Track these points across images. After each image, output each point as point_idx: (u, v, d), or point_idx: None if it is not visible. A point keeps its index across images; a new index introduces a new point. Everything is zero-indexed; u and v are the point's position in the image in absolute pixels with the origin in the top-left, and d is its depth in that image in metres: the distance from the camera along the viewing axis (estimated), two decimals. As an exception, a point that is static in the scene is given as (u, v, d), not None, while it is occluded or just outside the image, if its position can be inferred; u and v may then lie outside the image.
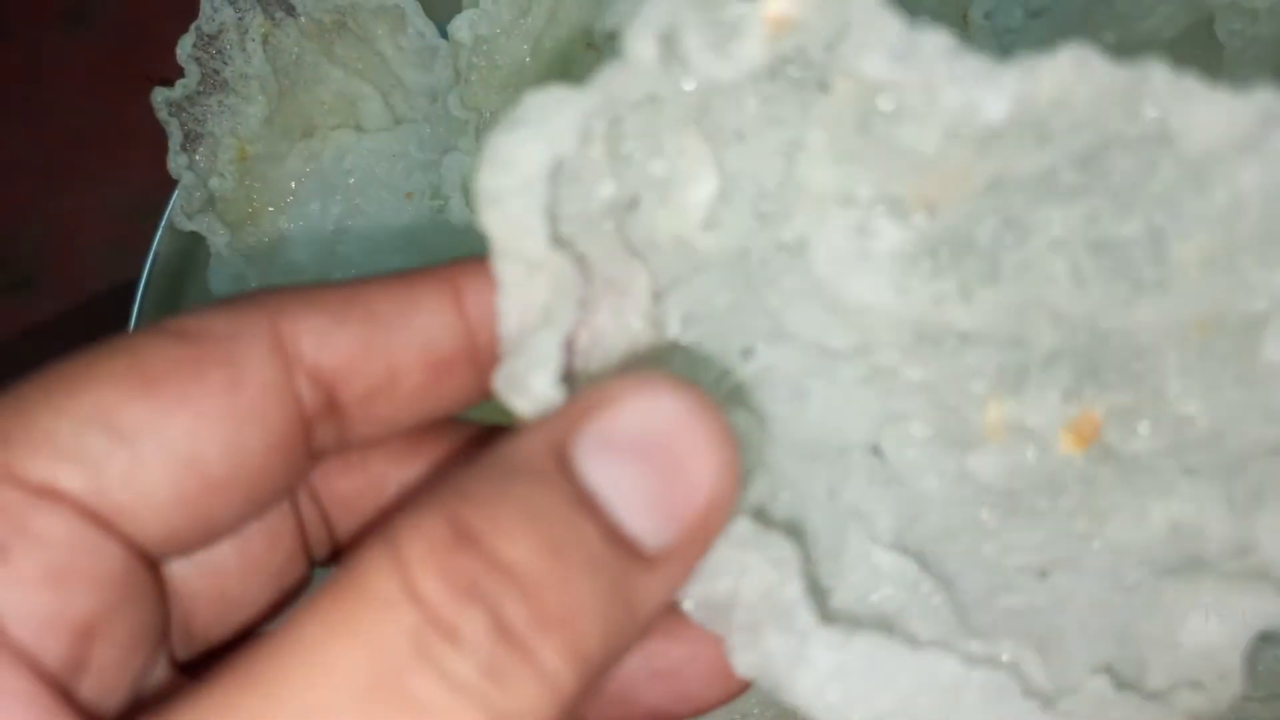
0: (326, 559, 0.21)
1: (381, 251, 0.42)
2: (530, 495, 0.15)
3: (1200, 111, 0.15)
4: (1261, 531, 0.17)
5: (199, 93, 0.40)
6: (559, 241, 0.17)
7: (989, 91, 0.15)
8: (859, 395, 0.19)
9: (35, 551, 0.15)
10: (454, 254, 0.19)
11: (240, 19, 0.40)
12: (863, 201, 0.18)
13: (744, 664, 0.17)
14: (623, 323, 0.18)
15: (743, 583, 0.17)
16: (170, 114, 0.40)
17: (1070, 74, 0.15)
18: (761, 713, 0.38)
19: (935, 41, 0.15)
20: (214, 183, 0.41)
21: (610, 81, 0.16)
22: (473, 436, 0.21)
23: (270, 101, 0.41)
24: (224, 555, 0.19)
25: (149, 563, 0.17)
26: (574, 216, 0.17)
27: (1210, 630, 0.17)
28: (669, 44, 0.16)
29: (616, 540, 0.15)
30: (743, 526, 0.17)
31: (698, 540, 0.16)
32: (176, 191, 0.40)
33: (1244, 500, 0.17)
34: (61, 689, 0.15)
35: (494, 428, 0.21)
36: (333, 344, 0.18)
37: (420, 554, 0.14)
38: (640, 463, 0.15)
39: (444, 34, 0.40)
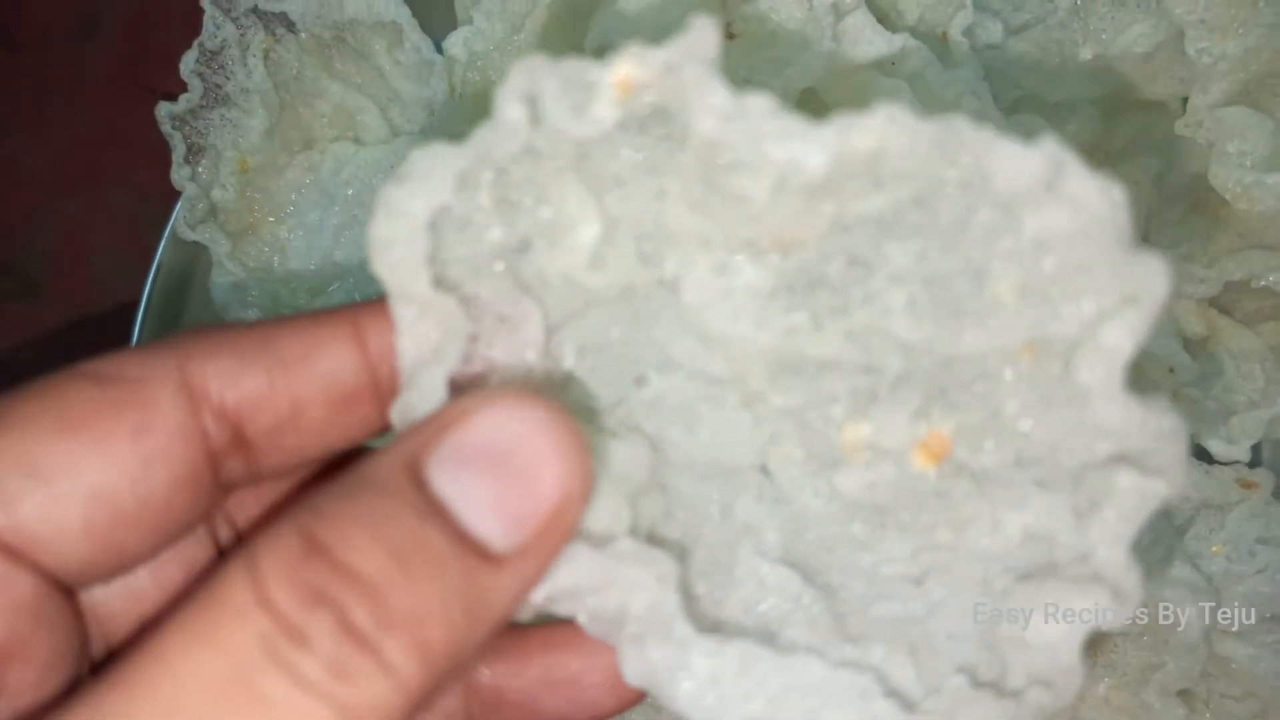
0: None
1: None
2: (377, 507, 0.16)
3: (1003, 158, 0.17)
4: (1094, 538, 0.18)
5: (202, 107, 0.41)
6: (446, 283, 0.19)
7: (810, 147, 0.17)
8: (744, 419, 0.21)
9: None
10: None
11: (242, 35, 0.41)
12: (717, 244, 0.19)
13: (632, 673, 0.19)
14: (517, 356, 0.20)
15: (631, 598, 0.19)
16: (174, 127, 0.41)
17: (884, 129, 0.17)
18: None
19: (760, 104, 0.17)
20: (216, 194, 0.42)
21: (483, 140, 0.18)
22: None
23: (271, 115, 0.42)
24: (141, 581, 0.20)
25: (64, 590, 0.18)
26: (463, 259, 0.19)
27: (1051, 630, 0.18)
28: (532, 106, 0.17)
29: (463, 544, 0.16)
30: (626, 544, 0.19)
31: (548, 540, 0.17)
32: (180, 202, 0.41)
33: (1084, 509, 0.18)
34: None
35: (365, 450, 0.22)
36: (238, 383, 0.19)
37: (273, 566, 0.16)
38: (489, 471, 0.17)
39: (439, 49, 0.41)
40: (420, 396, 0.18)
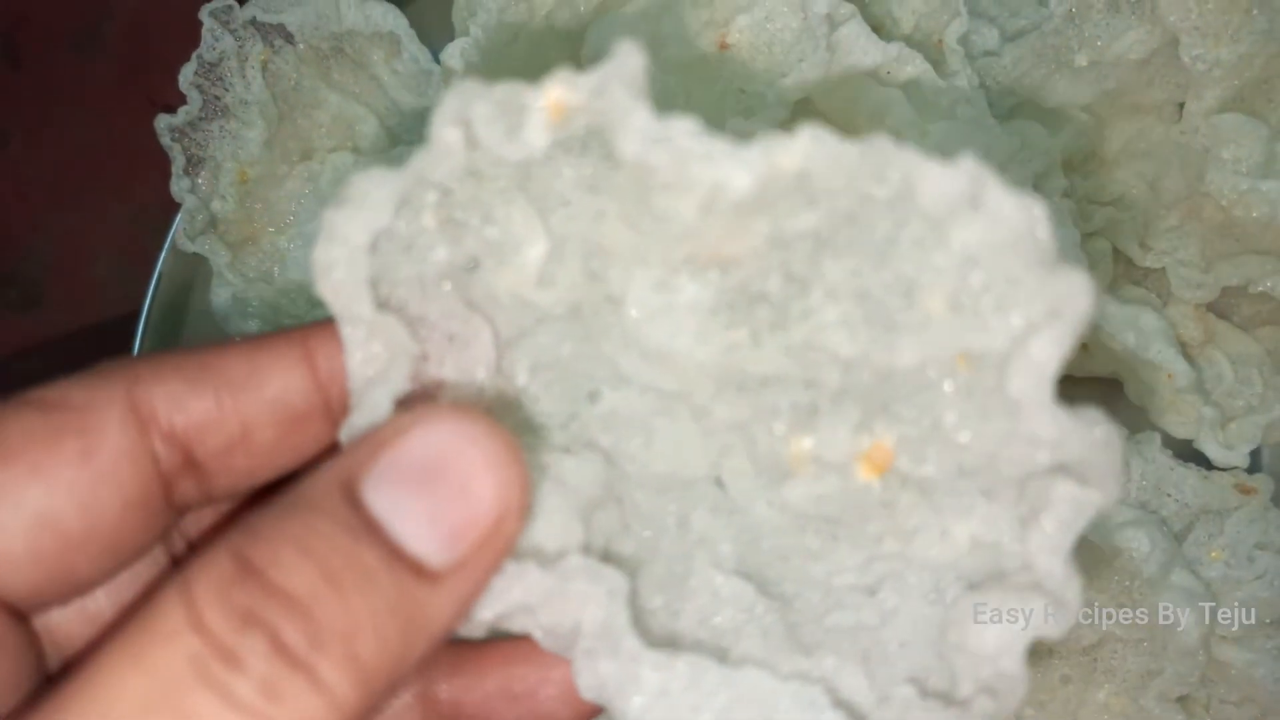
0: None
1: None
2: (310, 526, 0.16)
3: (927, 176, 0.17)
4: (1034, 547, 0.18)
5: (201, 118, 0.41)
6: (393, 304, 0.19)
7: (735, 168, 0.17)
8: (696, 432, 0.21)
9: None
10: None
11: (240, 47, 0.41)
12: (655, 261, 0.19)
13: (586, 687, 0.19)
14: (468, 375, 0.20)
15: (584, 613, 0.19)
16: (173, 139, 0.41)
17: (808, 149, 0.17)
18: None
19: (684, 126, 0.17)
20: (216, 205, 0.42)
21: (420, 163, 0.18)
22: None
23: (269, 126, 0.42)
24: (98, 603, 0.20)
25: (16, 615, 0.18)
26: (409, 280, 0.19)
27: (994, 638, 0.18)
28: (467, 129, 0.18)
29: (397, 561, 0.17)
30: (576, 560, 0.19)
31: (485, 554, 0.17)
32: (180, 213, 0.41)
33: (1027, 518, 0.18)
34: None
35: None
36: (186, 406, 0.19)
37: (205, 587, 0.16)
38: (423, 487, 0.17)
39: (437, 59, 0.41)
40: (365, 417, 0.19)
